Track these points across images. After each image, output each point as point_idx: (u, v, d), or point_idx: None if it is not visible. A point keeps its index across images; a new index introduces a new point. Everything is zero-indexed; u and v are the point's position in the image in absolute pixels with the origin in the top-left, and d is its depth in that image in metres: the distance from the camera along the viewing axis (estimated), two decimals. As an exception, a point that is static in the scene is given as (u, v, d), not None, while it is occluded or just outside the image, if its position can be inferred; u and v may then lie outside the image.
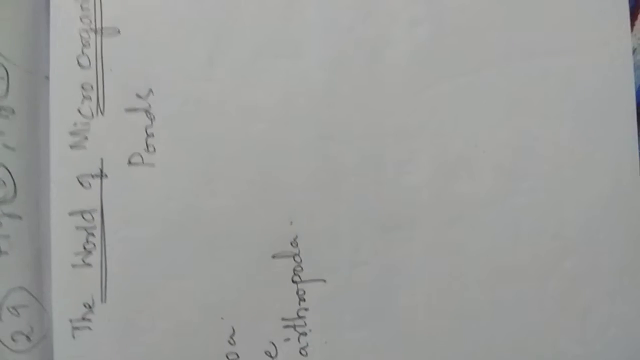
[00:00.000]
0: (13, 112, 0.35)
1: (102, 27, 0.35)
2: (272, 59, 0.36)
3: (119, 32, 0.35)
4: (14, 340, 0.34)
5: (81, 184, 0.35)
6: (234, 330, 0.35)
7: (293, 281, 0.35)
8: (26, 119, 0.35)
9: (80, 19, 0.35)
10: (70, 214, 0.34)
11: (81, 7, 0.35)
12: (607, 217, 0.36)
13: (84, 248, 0.34)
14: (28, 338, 0.34)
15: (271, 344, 0.35)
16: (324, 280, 0.35)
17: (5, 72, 0.35)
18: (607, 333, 0.36)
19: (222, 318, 0.35)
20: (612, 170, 0.37)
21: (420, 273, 0.36)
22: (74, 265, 0.34)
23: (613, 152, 0.37)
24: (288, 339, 0.35)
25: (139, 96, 0.35)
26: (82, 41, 0.35)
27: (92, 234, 0.35)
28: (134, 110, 0.35)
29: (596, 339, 0.36)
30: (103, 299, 0.34)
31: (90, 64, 0.35)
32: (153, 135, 0.35)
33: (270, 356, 0.35)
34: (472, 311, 0.36)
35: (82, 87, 0.35)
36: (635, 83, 0.37)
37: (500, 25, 0.37)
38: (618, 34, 0.37)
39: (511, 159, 0.36)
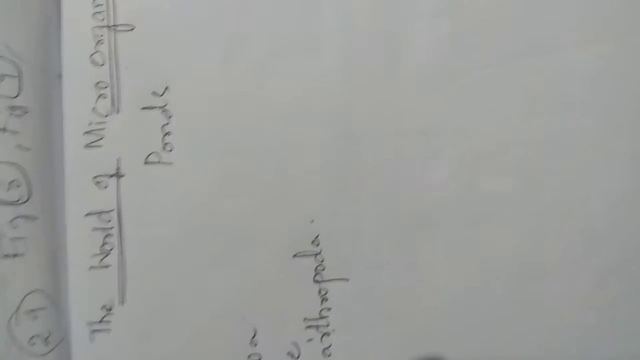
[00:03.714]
0: (26, 111, 0.34)
1: (116, 24, 0.34)
2: (290, 56, 0.35)
3: (133, 28, 0.34)
4: (31, 343, 0.33)
5: (97, 184, 0.34)
6: (255, 331, 0.34)
7: (315, 281, 0.35)
8: (40, 118, 0.34)
9: (94, 16, 0.34)
10: (87, 215, 0.34)
11: (94, 3, 0.34)
12: (635, 211, 0.36)
13: (102, 249, 0.34)
14: (46, 341, 0.34)
15: (294, 345, 0.34)
16: (347, 280, 0.35)
17: (17, 71, 0.34)
18: (635, 331, 0.35)
19: (243, 319, 0.34)
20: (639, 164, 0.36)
21: (444, 272, 0.35)
22: (91, 267, 0.34)
23: (640, 145, 0.36)
24: (311, 339, 0.34)
25: (155, 94, 0.34)
26: (95, 38, 0.34)
27: (110, 235, 0.34)
28: (150, 108, 0.34)
29: (624, 336, 0.35)
30: (122, 300, 0.34)
31: (104, 61, 0.34)
32: (170, 134, 0.34)
33: (293, 357, 0.34)
34: (498, 310, 0.35)
35: (97, 85, 0.34)
36: (663, 74, 0.36)
37: (523, 17, 0.36)
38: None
39: (536, 155, 0.35)
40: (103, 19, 0.34)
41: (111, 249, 0.34)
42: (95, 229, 0.34)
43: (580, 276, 0.36)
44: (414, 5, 0.35)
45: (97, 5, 0.34)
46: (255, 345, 0.34)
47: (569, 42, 0.36)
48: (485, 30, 0.36)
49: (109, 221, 0.34)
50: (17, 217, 0.33)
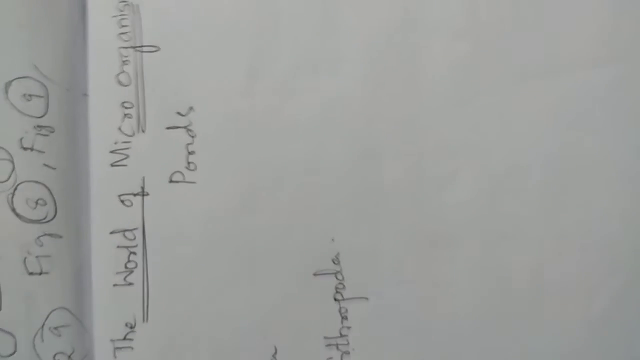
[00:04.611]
0: (53, 130, 0.34)
1: (141, 45, 0.35)
2: (311, 75, 0.36)
3: (158, 49, 0.35)
4: (55, 360, 0.34)
5: (122, 202, 0.34)
6: (276, 349, 0.35)
7: (335, 299, 0.35)
8: (66, 137, 0.35)
9: (119, 36, 0.35)
10: (112, 232, 0.34)
11: (119, 24, 0.35)
12: (655, 233, 0.36)
13: (126, 267, 0.34)
14: (69, 358, 0.34)
15: (314, 364, 0.35)
16: (367, 298, 0.35)
17: (44, 91, 0.34)
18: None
19: (264, 337, 0.35)
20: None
21: (465, 292, 0.35)
22: (115, 285, 0.34)
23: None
24: (331, 358, 0.35)
25: (179, 114, 0.35)
26: (121, 58, 0.35)
27: (134, 253, 0.34)
28: (175, 127, 0.35)
29: (643, 357, 0.36)
30: (145, 318, 0.34)
31: (130, 81, 0.35)
32: (194, 153, 0.35)
33: (313, 376, 0.35)
34: (518, 330, 0.35)
35: (123, 105, 0.35)
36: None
37: (543, 37, 0.36)
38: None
39: (556, 174, 0.36)
40: (129, 40, 0.35)
41: (135, 267, 0.34)
42: (119, 246, 0.34)
43: (599, 297, 0.36)
44: (433, 25, 0.36)
45: (123, 27, 0.35)
46: (276, 363, 0.35)
47: (589, 61, 0.36)
48: (504, 50, 0.36)
49: (133, 239, 0.34)
50: (43, 235, 0.34)
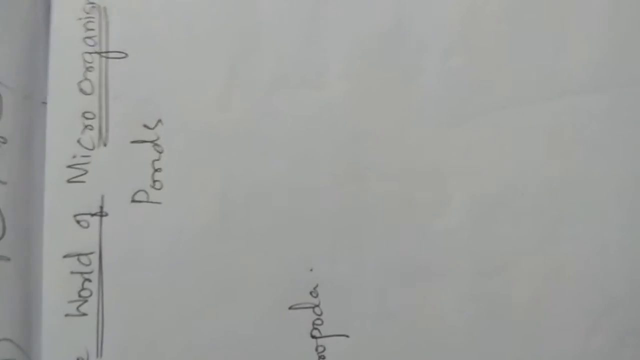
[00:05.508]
0: (5, 141, 0.32)
1: (107, 50, 0.32)
2: (293, 89, 0.33)
3: (126, 55, 0.32)
4: (-4, 399, 0.30)
5: (78, 222, 0.32)
6: (244, 391, 0.32)
7: (312, 336, 0.32)
8: (20, 149, 0.32)
9: (84, 40, 0.32)
10: (65, 256, 0.32)
11: (85, 27, 0.32)
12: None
13: (79, 295, 0.32)
14: (12, 397, 0.31)
15: (287, 408, 0.32)
16: (347, 336, 0.33)
17: (-3, 98, 0.32)
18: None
19: (232, 377, 0.32)
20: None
21: (454, 329, 0.33)
22: (67, 315, 0.32)
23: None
24: (305, 403, 0.32)
25: (146, 127, 0.32)
26: (85, 65, 0.32)
27: (89, 280, 0.32)
28: (141, 142, 0.32)
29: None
30: (99, 353, 0.31)
31: (93, 90, 0.32)
32: (161, 170, 0.32)
33: (286, 422, 0.32)
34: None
35: (84, 116, 0.32)
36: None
37: (539, 59, 0.34)
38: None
39: (554, 201, 0.34)
40: (94, 45, 0.32)
41: (89, 295, 0.32)
42: (73, 272, 0.32)
43: (598, 336, 0.33)
44: (426, 39, 0.34)
45: (89, 30, 0.32)
46: (244, 407, 0.32)
47: (584, 86, 0.34)
48: (500, 68, 0.34)
49: (89, 264, 0.32)
50: (-12, 257, 0.31)
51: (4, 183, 0.31)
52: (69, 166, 0.32)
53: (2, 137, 0.31)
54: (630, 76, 0.34)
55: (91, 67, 0.32)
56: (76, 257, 0.31)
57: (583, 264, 0.34)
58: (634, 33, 0.35)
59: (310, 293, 0.32)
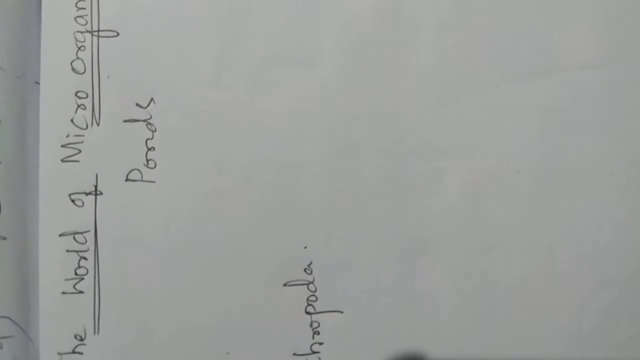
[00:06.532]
0: (0, 120, 0.32)
1: (99, 29, 0.32)
2: (285, 67, 0.33)
3: (117, 34, 0.32)
4: (-4, 375, 0.31)
5: (73, 202, 0.32)
6: (241, 365, 0.32)
7: (306, 312, 0.33)
8: (13, 128, 0.32)
9: (75, 20, 0.32)
10: (61, 235, 0.32)
11: (76, 6, 0.33)
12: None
13: (76, 273, 0.32)
14: (12, 373, 0.31)
15: (282, 382, 0.32)
16: (341, 312, 0.33)
17: (-9, 77, 0.32)
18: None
19: (227, 353, 0.32)
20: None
21: (447, 304, 0.33)
22: (64, 292, 0.32)
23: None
24: (300, 377, 0.32)
25: (139, 105, 0.32)
26: (77, 44, 0.32)
27: (85, 258, 0.32)
28: (134, 121, 0.32)
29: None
30: (96, 330, 0.32)
31: (85, 69, 0.32)
32: (154, 149, 0.32)
33: (281, 396, 0.32)
34: (503, 345, 0.33)
35: (76, 95, 0.32)
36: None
37: (534, 35, 0.34)
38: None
39: (547, 179, 0.34)
40: (86, 24, 0.32)
41: (86, 273, 0.32)
42: (69, 250, 0.32)
43: (589, 315, 0.34)
44: (418, 16, 0.34)
45: (80, 9, 0.32)
46: (240, 381, 0.32)
47: (578, 63, 0.34)
48: (493, 46, 0.34)
49: (84, 243, 0.32)
50: (-16, 237, 0.31)
51: (1, 163, 0.32)
52: (63, 145, 0.32)
53: None
54: (623, 53, 0.34)
55: (83, 46, 0.32)
56: (72, 236, 0.32)
57: (575, 242, 0.34)
58: (627, 10, 0.34)
59: (305, 270, 0.33)
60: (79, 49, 0.32)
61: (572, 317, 0.34)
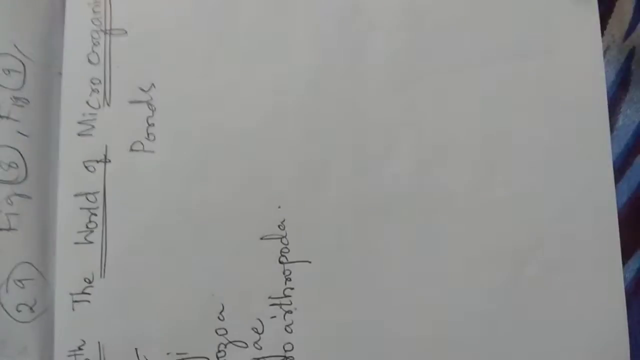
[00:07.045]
0: (28, 102, 0.38)
1: (111, 28, 0.39)
2: (264, 61, 0.39)
3: (126, 32, 0.39)
4: (18, 310, 0.36)
5: (86, 168, 0.37)
6: (223, 307, 0.37)
7: (280, 262, 0.37)
8: (39, 109, 0.38)
9: (92, 21, 0.39)
10: (76, 195, 0.37)
11: (93, 10, 0.39)
12: (580, 210, 0.38)
13: (87, 227, 0.37)
14: (31, 309, 0.36)
15: (258, 321, 0.37)
16: (309, 262, 0.37)
17: (22, 67, 0.38)
18: (581, 317, 0.38)
19: (212, 295, 0.37)
20: (585, 165, 0.38)
21: (400, 258, 0.37)
22: (76, 243, 0.37)
23: (586, 147, 0.39)
24: (274, 317, 0.37)
25: (142, 89, 0.38)
26: (92, 40, 0.38)
27: (95, 214, 0.37)
28: (137, 102, 0.38)
29: (570, 321, 0.38)
30: (102, 274, 0.37)
31: (99, 60, 0.38)
32: (153, 125, 0.38)
33: (257, 332, 0.37)
34: (451, 294, 0.37)
35: (91, 82, 0.38)
36: (607, 79, 0.39)
37: (475, 28, 0.39)
38: (589, 33, 0.39)
39: (489, 154, 0.38)
40: (100, 24, 0.39)
41: (95, 227, 0.37)
42: (82, 208, 0.37)
43: (528, 268, 0.38)
44: (374, 18, 0.39)
45: (95, 12, 0.39)
46: (223, 319, 0.37)
47: (519, 51, 0.39)
48: (441, 41, 0.39)
49: (95, 202, 0.37)
50: (13, 195, 0.37)
51: (27, 136, 0.37)
52: (79, 122, 0.38)
53: (25, 99, 0.38)
54: (561, 43, 0.39)
55: (97, 42, 0.38)
56: (84, 196, 0.37)
57: (514, 205, 0.38)
58: (566, 2, 0.39)
59: (279, 226, 0.37)
60: (94, 44, 0.38)
61: (511, 270, 0.38)
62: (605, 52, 0.40)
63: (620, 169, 0.39)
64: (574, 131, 0.39)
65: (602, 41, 0.39)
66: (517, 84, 0.39)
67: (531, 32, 0.39)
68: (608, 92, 0.39)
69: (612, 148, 0.39)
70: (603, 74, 0.39)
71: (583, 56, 0.39)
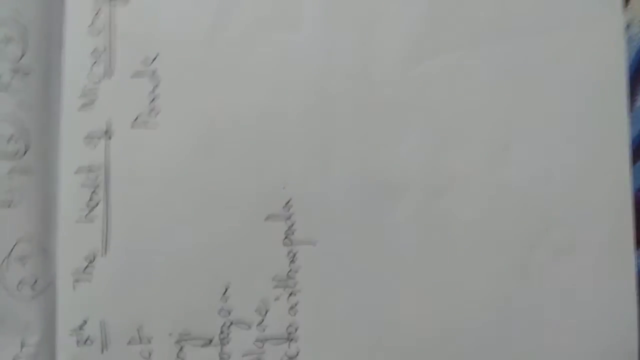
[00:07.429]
0: (29, 73, 0.37)
1: (113, -3, 0.37)
2: (271, 30, 0.37)
3: (128, 2, 0.37)
4: (19, 289, 0.36)
5: (88, 143, 0.37)
6: (227, 287, 0.36)
7: (284, 244, 0.37)
8: (41, 80, 0.37)
9: None
10: (77, 171, 0.36)
11: None
12: (593, 191, 0.37)
13: (88, 205, 0.36)
14: (32, 287, 0.36)
15: (262, 302, 0.36)
16: (314, 243, 0.37)
17: (24, 36, 0.37)
18: (590, 303, 0.37)
19: (216, 276, 0.36)
20: (601, 146, 0.37)
21: (408, 238, 0.37)
22: (78, 220, 0.36)
23: (603, 127, 0.37)
24: (278, 298, 0.36)
25: (145, 62, 0.37)
26: (95, 10, 0.37)
27: (96, 192, 0.36)
28: (140, 74, 0.37)
29: (578, 307, 0.36)
30: (104, 252, 0.36)
31: (101, 31, 0.37)
32: (157, 99, 0.37)
33: (261, 314, 0.36)
34: (459, 277, 0.36)
35: (93, 53, 0.37)
36: (628, 57, 0.37)
37: (492, 3, 0.37)
38: (609, 9, 0.37)
39: (501, 132, 0.37)
40: (102, -7, 0.37)
41: (97, 205, 0.36)
42: (83, 185, 0.36)
43: (535, 253, 0.37)
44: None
45: (98, -19, 0.37)
46: (227, 300, 0.36)
47: (536, 26, 0.37)
48: (459, 14, 0.37)
49: (97, 179, 0.36)
50: (14, 170, 0.36)
51: (28, 108, 0.36)
52: (81, 95, 0.37)
53: (27, 70, 0.37)
54: (580, 18, 0.37)
55: (100, 12, 0.37)
56: (86, 172, 0.36)
57: (526, 187, 0.37)
58: None
59: (284, 207, 0.37)
60: (96, 14, 0.37)
61: (519, 254, 0.36)
62: (626, 30, 0.38)
63: (638, 150, 0.38)
64: (591, 111, 0.37)
65: (623, 18, 0.37)
66: (533, 61, 0.38)
67: (549, 8, 0.38)
68: (628, 71, 0.37)
69: (631, 129, 0.37)
70: (624, 52, 0.37)
71: (603, 33, 0.37)
